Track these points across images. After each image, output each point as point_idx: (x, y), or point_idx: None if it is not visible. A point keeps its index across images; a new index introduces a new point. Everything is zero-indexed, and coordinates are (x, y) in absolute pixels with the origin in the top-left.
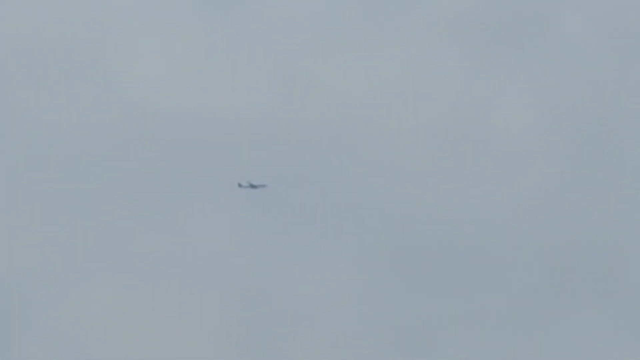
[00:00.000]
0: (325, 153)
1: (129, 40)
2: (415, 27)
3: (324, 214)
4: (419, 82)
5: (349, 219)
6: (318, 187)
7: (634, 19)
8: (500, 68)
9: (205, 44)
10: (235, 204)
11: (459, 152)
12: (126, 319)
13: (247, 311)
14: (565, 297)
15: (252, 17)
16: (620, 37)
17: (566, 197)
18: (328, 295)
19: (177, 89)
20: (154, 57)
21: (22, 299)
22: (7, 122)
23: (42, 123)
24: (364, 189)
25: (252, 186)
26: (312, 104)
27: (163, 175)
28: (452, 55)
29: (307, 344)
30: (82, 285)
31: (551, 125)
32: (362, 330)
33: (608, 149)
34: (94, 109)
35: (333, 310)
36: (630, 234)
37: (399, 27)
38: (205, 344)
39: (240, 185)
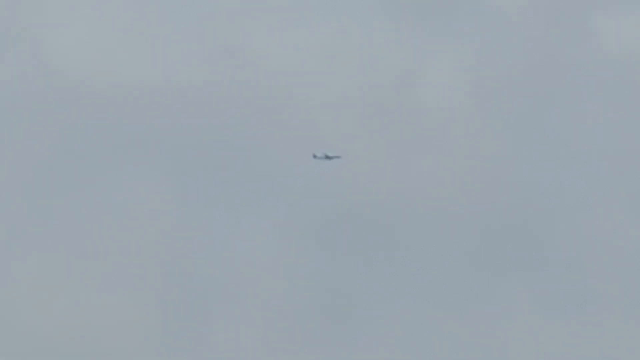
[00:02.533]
0: (254, 121)
1: (52, 5)
2: None
3: (249, 182)
4: (347, 53)
5: (274, 187)
6: (243, 154)
7: None
8: (428, 40)
9: (130, 9)
10: (159, 171)
11: (386, 123)
12: (46, 288)
13: (171, 280)
14: (491, 270)
15: None
16: (547, 9)
17: (494, 170)
18: (253, 263)
19: (100, 54)
20: (77, 22)
21: None
22: None
23: None
24: (290, 157)
25: (328, 157)
26: (238, 72)
27: (84, 143)
28: (380, 27)
29: (233, 313)
30: None
31: (480, 98)
32: (287, 298)
33: (537, 123)
34: (15, 75)
35: (258, 278)
36: (559, 208)
37: None
38: (129, 314)
39: (315, 157)
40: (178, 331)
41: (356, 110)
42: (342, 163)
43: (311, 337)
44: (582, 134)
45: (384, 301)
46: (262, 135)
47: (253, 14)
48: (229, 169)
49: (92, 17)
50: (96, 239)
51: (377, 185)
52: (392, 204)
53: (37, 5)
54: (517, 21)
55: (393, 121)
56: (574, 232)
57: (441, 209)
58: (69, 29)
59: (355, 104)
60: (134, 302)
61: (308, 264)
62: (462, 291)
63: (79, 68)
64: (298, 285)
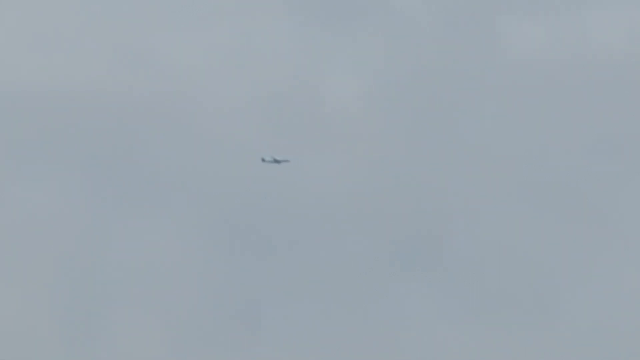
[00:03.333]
0: (158, 124)
1: None
2: (248, 0)
3: (154, 185)
4: (250, 56)
5: (180, 191)
6: (148, 158)
7: None
8: (332, 43)
9: (37, 13)
10: (64, 174)
11: (290, 125)
12: None
13: (76, 283)
14: (394, 269)
15: None
16: (452, 13)
17: (396, 173)
18: (157, 267)
19: (6, 58)
20: None
21: None
22: None
23: None
24: (197, 161)
25: (276, 161)
26: (142, 77)
27: None
28: (284, 30)
29: (138, 318)
30: None
31: (383, 101)
32: (193, 302)
33: (440, 126)
34: None
35: (163, 282)
36: (458, 210)
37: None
38: (32, 317)
39: (263, 160)
40: (82, 335)
41: (259, 113)
42: (247, 166)
43: (218, 341)
44: (484, 136)
45: (289, 304)
46: (167, 138)
47: (157, 17)
48: (134, 172)
49: None
50: (2, 238)
51: (281, 188)
52: (296, 206)
53: None
54: (422, 24)
55: (296, 124)
56: (472, 234)
57: (343, 211)
58: None
59: (258, 106)
60: (37, 306)
61: (214, 268)
62: (365, 292)
63: None
64: (204, 289)
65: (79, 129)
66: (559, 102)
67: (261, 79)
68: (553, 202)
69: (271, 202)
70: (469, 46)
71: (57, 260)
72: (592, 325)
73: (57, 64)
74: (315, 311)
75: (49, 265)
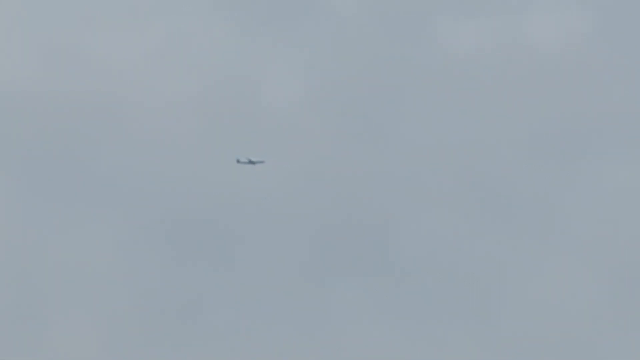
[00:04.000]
0: (94, 124)
1: None
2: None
3: (90, 185)
4: (188, 55)
5: (117, 191)
6: (82, 158)
7: None
8: (267, 42)
9: None
10: None
11: (226, 125)
12: None
13: (9, 282)
14: (331, 273)
15: None
16: (390, 13)
17: (334, 173)
18: (95, 266)
19: None
20: None
21: None
22: None
23: None
24: (130, 162)
25: (251, 162)
26: (76, 77)
27: None
28: (219, 30)
29: (75, 316)
30: None
31: (320, 99)
32: (131, 301)
33: (378, 126)
34: None
35: (101, 282)
36: (399, 209)
37: None
38: None
39: (238, 161)
40: (16, 334)
41: (196, 113)
42: (184, 165)
43: (155, 341)
44: (423, 136)
45: (229, 304)
46: (102, 139)
47: (92, 16)
48: (69, 171)
49: None
50: None
51: (219, 187)
52: (235, 206)
53: None
54: (359, 24)
55: (233, 123)
56: (412, 236)
57: (283, 212)
58: None
59: (194, 105)
60: None
61: (151, 268)
62: (306, 294)
63: None
64: (142, 289)
65: (13, 128)
66: (495, 100)
67: (198, 78)
68: (492, 203)
69: (209, 202)
70: (406, 45)
71: None
72: (529, 327)
73: None
74: (255, 312)
75: None
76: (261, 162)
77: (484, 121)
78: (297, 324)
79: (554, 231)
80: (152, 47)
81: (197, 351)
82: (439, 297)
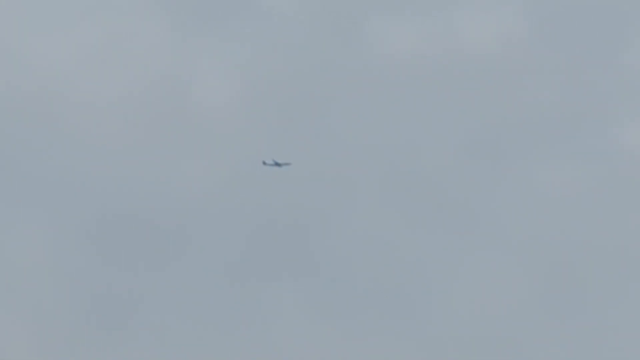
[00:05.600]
0: (26, 122)
1: None
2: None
3: (22, 184)
4: (120, 55)
5: (46, 192)
6: (16, 156)
7: None
8: (201, 41)
9: None
10: None
11: (160, 126)
12: None
13: None
14: (260, 274)
15: None
16: (323, 13)
17: (263, 174)
18: (26, 265)
19: None
20: None
21: None
22: None
23: None
24: (64, 159)
25: (277, 164)
26: (6, 76)
27: None
28: (153, 29)
29: (3, 319)
30: None
31: (252, 98)
32: (57, 302)
33: (310, 124)
34: None
35: (32, 281)
36: (329, 210)
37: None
38: None
39: (264, 163)
40: None
41: (130, 111)
42: (116, 166)
43: (85, 340)
44: (354, 135)
45: (161, 307)
46: (35, 137)
47: (26, 17)
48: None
49: None
50: None
51: (150, 187)
52: (165, 207)
53: None
54: (292, 24)
55: (166, 121)
56: (341, 237)
57: (213, 213)
58: None
59: (127, 106)
60: None
61: (82, 267)
62: (237, 295)
63: None
64: (76, 290)
65: None
66: (426, 101)
67: (130, 77)
68: (420, 202)
69: (140, 202)
70: (338, 45)
71: None
72: (455, 325)
73: None
74: (185, 312)
75: None
76: (287, 164)
77: (413, 121)
78: (226, 323)
79: (480, 230)
80: (86, 47)
81: (128, 350)
82: (366, 296)
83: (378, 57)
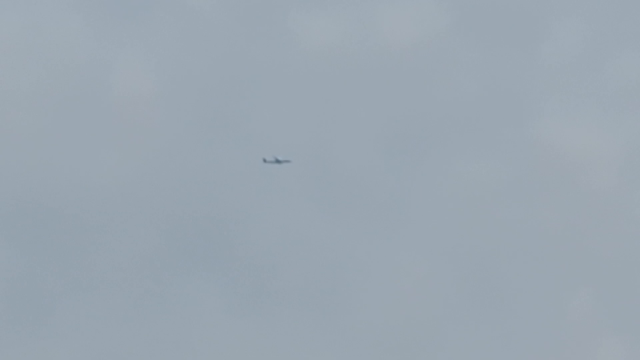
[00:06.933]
0: None
1: None
2: None
3: None
4: (36, 46)
5: None
6: None
7: None
8: (121, 33)
9: None
10: None
11: (76, 117)
12: None
13: None
14: (179, 266)
15: None
16: (243, 5)
17: (183, 167)
18: None
19: None
20: None
21: None
22: None
23: None
24: None
25: (278, 161)
26: None
27: None
28: (74, 19)
29: None
30: None
31: (171, 93)
32: None
33: (230, 117)
34: None
35: None
36: (249, 203)
37: None
38: None
39: (265, 161)
40: None
41: (46, 102)
42: (29, 156)
43: (5, 334)
44: (275, 130)
45: (78, 300)
46: None
47: None
48: None
49: None
50: None
51: (65, 180)
52: (80, 199)
53: None
54: (214, 18)
55: (83, 113)
56: (262, 230)
57: (130, 206)
58: None
59: (44, 96)
60: None
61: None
62: (155, 288)
63: None
64: None
65: None
66: (348, 94)
67: (47, 67)
68: (343, 196)
69: (53, 194)
70: (259, 39)
71: None
72: (377, 318)
73: None
74: (101, 306)
75: None
76: (287, 161)
77: (333, 115)
78: (145, 317)
79: (400, 224)
80: (4, 34)
81: (43, 344)
82: (286, 291)
83: (298, 51)
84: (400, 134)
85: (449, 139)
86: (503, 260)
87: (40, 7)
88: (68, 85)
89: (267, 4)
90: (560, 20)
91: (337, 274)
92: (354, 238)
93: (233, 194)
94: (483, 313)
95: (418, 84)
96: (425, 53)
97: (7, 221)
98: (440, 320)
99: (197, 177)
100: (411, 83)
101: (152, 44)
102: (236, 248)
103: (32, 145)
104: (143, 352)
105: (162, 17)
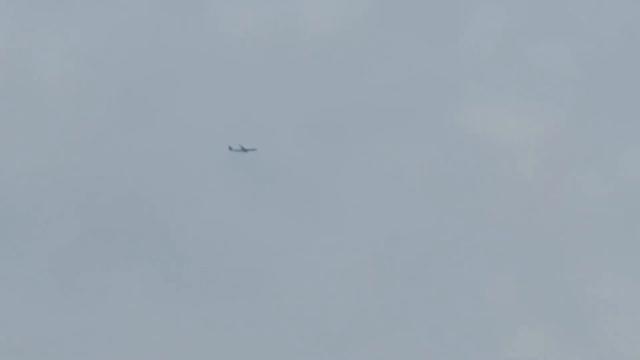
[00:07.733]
0: None
1: None
2: None
3: None
4: None
5: None
6: None
7: None
8: (40, 19)
9: None
10: None
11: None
12: None
13: None
14: (102, 256)
15: None
16: None
17: (110, 155)
18: None
19: None
20: None
21: None
22: None
23: None
24: None
25: (244, 149)
26: None
27: None
28: None
29: None
30: None
31: (90, 80)
32: None
33: (152, 109)
34: None
35: None
36: (178, 192)
37: None
38: None
39: (230, 149)
40: None
41: None
42: None
43: None
44: (200, 118)
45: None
46: None
47: None
48: None
49: None
50: None
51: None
52: (1, 189)
53: None
54: (133, 7)
55: (8, 100)
56: (188, 222)
57: (52, 195)
58: None
59: None
60: None
61: None
62: (82, 278)
63: None
64: None
65: None
66: (269, 81)
67: None
68: (267, 184)
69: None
70: (180, 26)
71: None
72: (300, 308)
73: None
74: (25, 299)
75: None
76: (253, 149)
77: (255, 102)
78: (65, 308)
79: (322, 211)
80: None
81: None
82: (212, 279)
83: (219, 38)
84: (322, 121)
85: (370, 126)
86: (424, 246)
87: None
88: None
89: None
90: (480, 9)
91: (262, 261)
92: (278, 226)
93: (156, 184)
94: (406, 298)
95: (340, 73)
96: (347, 41)
97: None
98: (364, 306)
99: (119, 167)
100: (332, 70)
101: (72, 31)
102: (159, 236)
103: None
104: (67, 342)
105: (84, 4)
